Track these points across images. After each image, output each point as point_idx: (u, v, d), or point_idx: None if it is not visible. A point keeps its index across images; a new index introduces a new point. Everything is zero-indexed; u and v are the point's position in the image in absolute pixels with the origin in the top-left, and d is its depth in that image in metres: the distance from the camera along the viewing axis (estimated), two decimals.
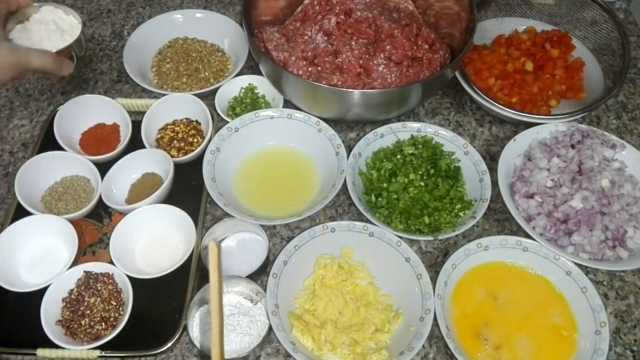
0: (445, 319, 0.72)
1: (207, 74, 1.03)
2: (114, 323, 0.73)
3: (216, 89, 0.96)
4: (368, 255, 0.79)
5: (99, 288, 0.75)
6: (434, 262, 0.82)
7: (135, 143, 0.89)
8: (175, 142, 0.90)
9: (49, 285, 0.73)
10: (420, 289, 0.74)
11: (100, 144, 0.91)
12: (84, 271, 0.76)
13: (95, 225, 0.84)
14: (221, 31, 1.08)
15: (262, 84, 0.98)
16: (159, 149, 0.88)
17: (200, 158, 0.86)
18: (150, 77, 1.04)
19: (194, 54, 1.05)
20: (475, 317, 0.75)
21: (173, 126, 0.93)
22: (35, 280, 0.77)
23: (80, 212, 0.82)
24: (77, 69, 1.02)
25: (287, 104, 0.94)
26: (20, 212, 0.82)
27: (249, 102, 0.96)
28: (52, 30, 0.86)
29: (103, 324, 0.73)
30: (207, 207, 0.86)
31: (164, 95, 0.94)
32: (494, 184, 0.84)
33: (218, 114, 0.94)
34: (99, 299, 0.74)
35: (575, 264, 0.76)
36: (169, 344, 0.72)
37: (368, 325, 0.73)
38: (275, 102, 0.97)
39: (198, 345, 0.69)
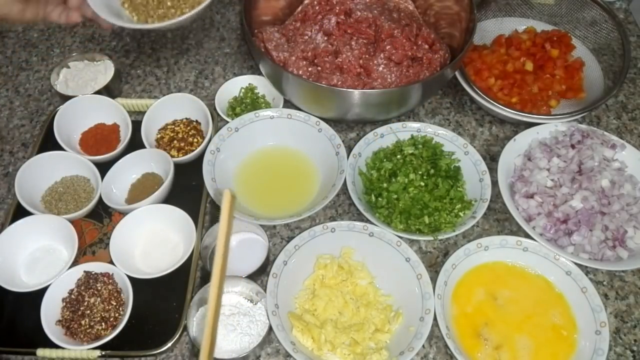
0: (445, 319, 0.72)
1: None
2: (114, 323, 0.73)
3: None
4: (368, 255, 0.79)
5: (99, 288, 0.75)
6: (434, 262, 0.82)
7: (135, 143, 0.89)
8: (175, 142, 0.90)
9: (49, 285, 0.73)
10: (420, 289, 0.74)
11: (100, 144, 0.91)
12: (84, 271, 0.76)
13: (95, 225, 0.84)
14: None
15: (262, 84, 0.98)
16: (159, 149, 0.88)
17: (200, 158, 0.86)
18: (126, 15, 0.89)
19: None
20: (475, 317, 0.75)
21: (173, 126, 0.93)
22: (35, 280, 0.77)
23: (80, 212, 0.82)
24: None
25: (287, 104, 0.94)
26: (20, 212, 0.82)
27: (249, 102, 0.96)
28: (95, 78, 0.99)
29: (103, 324, 0.73)
30: (207, 207, 0.86)
31: (149, 26, 0.85)
32: (494, 184, 0.84)
33: (218, 114, 0.95)
34: (99, 299, 0.74)
35: (575, 264, 0.76)
36: (169, 344, 0.72)
37: (368, 325, 0.73)
38: (275, 102, 0.97)
39: (198, 345, 0.69)
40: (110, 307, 0.74)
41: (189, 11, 0.83)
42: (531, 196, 0.83)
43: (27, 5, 0.75)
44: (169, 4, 0.85)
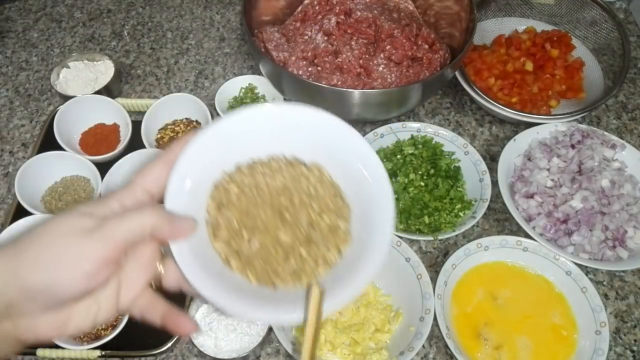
0: (445, 319, 0.72)
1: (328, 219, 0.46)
2: (114, 323, 0.73)
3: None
4: None
5: None
6: (434, 262, 0.82)
7: (135, 143, 0.89)
8: None
9: None
10: (420, 289, 0.74)
11: (100, 144, 0.91)
12: None
13: None
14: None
15: (262, 84, 0.98)
16: (159, 149, 0.88)
17: None
18: (237, 278, 0.44)
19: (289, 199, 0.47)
20: (475, 317, 0.75)
21: (173, 126, 0.93)
22: None
23: None
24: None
25: None
26: (20, 212, 0.82)
27: (249, 102, 0.96)
28: (95, 78, 0.98)
29: (103, 324, 0.72)
30: None
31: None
32: (494, 184, 0.84)
33: (218, 114, 0.95)
34: None
35: (575, 264, 0.76)
36: (169, 344, 0.72)
37: (368, 325, 0.73)
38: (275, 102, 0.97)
39: (198, 345, 0.69)
40: None
41: (335, 259, 0.44)
42: (531, 196, 0.83)
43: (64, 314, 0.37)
44: (302, 252, 0.45)
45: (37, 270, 0.34)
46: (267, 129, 0.45)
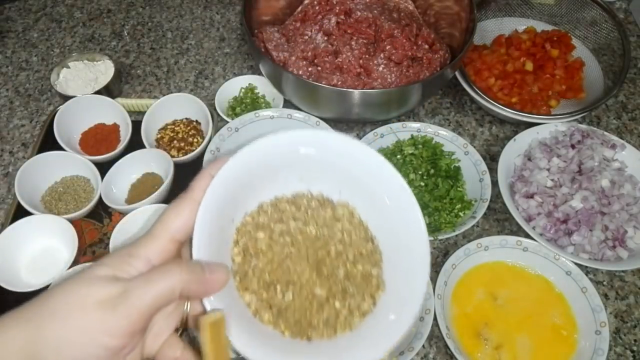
0: (445, 319, 0.72)
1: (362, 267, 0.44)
2: None
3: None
4: None
5: None
6: (434, 262, 0.82)
7: (135, 143, 0.89)
8: (175, 142, 0.90)
9: (48, 285, 0.73)
10: None
11: (100, 144, 0.91)
12: None
13: (95, 225, 0.84)
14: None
15: (262, 84, 0.98)
16: (159, 149, 0.88)
17: (200, 158, 0.86)
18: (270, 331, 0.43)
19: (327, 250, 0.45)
20: (475, 317, 0.75)
21: (173, 126, 0.93)
22: (35, 281, 0.77)
23: (80, 212, 0.82)
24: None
25: (287, 104, 0.94)
26: (20, 212, 0.82)
27: (249, 102, 0.96)
28: (95, 78, 0.98)
29: None
30: None
31: None
32: (494, 184, 0.84)
33: (218, 114, 0.95)
34: None
35: (575, 264, 0.76)
36: None
37: None
38: (275, 102, 0.97)
39: (198, 345, 0.69)
40: None
41: (370, 308, 0.43)
42: (531, 196, 0.83)
43: None
44: (337, 304, 0.43)
45: (58, 354, 0.32)
46: (291, 159, 0.43)
